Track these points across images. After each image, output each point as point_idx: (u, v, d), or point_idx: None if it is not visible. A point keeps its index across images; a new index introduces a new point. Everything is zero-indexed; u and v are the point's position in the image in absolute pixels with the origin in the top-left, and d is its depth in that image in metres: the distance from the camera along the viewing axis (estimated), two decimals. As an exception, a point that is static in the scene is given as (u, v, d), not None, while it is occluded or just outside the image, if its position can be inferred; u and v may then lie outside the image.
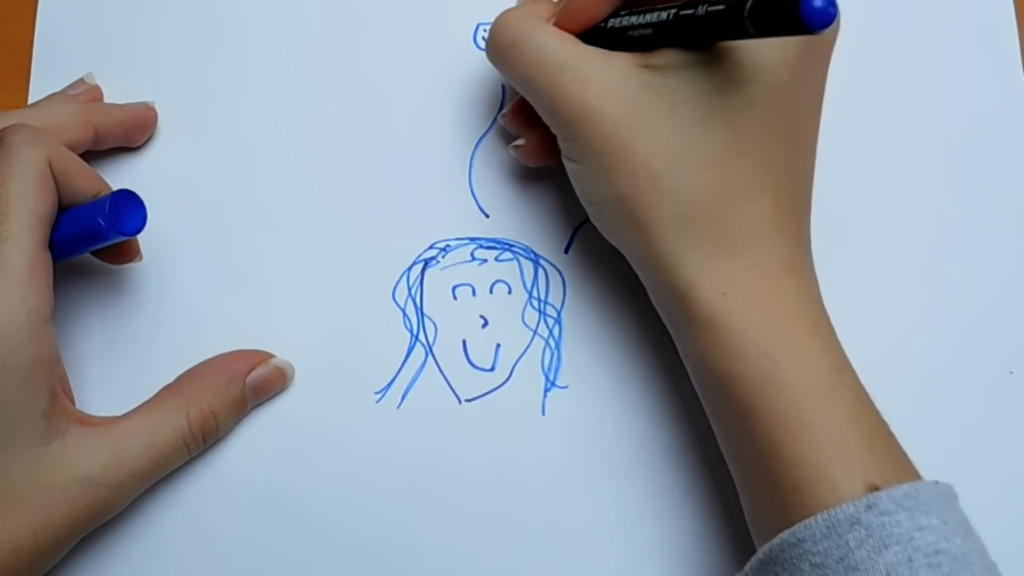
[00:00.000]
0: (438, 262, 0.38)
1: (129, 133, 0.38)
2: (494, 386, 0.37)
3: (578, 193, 0.34)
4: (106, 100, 0.39)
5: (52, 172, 0.32)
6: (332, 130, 0.39)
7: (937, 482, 0.28)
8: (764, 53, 0.30)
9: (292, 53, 0.40)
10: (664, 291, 0.32)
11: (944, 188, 0.39)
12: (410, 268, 0.38)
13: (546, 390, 0.37)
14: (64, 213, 0.33)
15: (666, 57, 0.31)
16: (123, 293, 0.38)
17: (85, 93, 0.38)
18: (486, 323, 0.37)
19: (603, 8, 0.33)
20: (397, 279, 0.38)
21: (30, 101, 0.39)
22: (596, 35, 0.33)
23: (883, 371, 0.37)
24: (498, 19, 0.34)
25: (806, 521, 0.27)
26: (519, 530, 0.35)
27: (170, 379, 0.35)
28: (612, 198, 0.32)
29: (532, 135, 0.36)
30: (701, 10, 0.29)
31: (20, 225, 0.31)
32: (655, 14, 0.31)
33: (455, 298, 0.37)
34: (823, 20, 0.25)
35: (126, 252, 0.36)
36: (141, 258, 0.36)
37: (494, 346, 0.37)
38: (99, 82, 0.39)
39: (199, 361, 0.36)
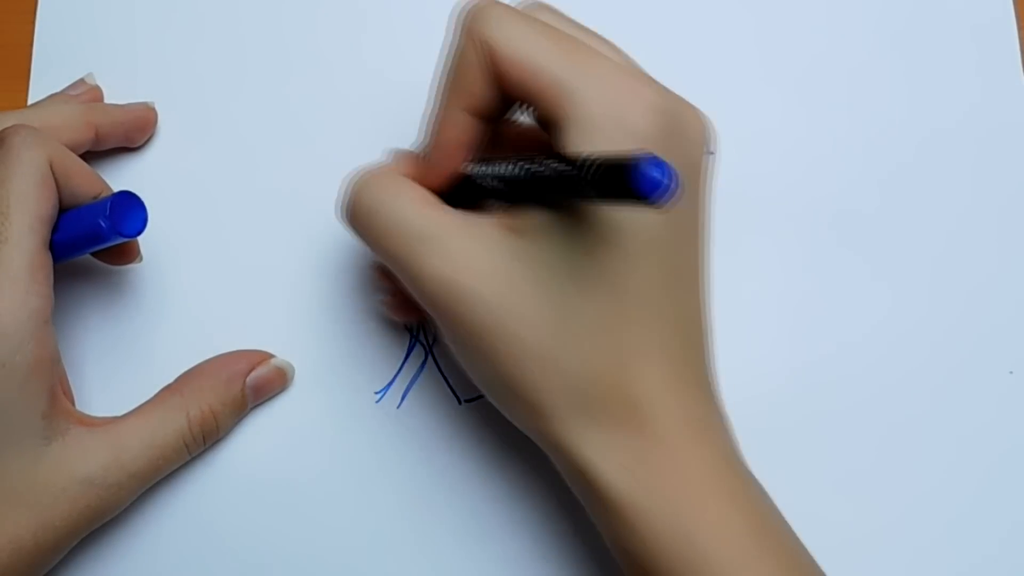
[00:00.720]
0: (438, 262, 0.38)
1: (129, 133, 0.38)
2: (494, 386, 0.37)
3: (467, 373, 0.32)
4: (106, 100, 0.39)
5: (53, 173, 0.32)
6: (333, 130, 0.39)
7: None
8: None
9: (292, 53, 0.40)
10: (569, 472, 0.30)
11: (944, 188, 0.39)
12: (410, 268, 0.38)
13: (546, 390, 0.37)
14: (65, 214, 0.33)
15: (531, 219, 0.28)
16: (123, 294, 0.38)
17: (85, 93, 0.38)
18: (486, 323, 0.37)
19: (460, 157, 0.31)
20: (397, 279, 0.38)
21: (30, 101, 0.39)
22: (464, 190, 0.31)
23: (883, 370, 0.37)
24: (355, 182, 0.31)
25: None
26: (519, 530, 0.35)
27: (170, 379, 0.35)
28: (498, 382, 0.30)
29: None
30: (548, 170, 0.27)
31: (21, 226, 0.31)
32: (505, 166, 0.29)
33: (455, 298, 0.37)
34: (656, 193, 0.22)
35: (126, 253, 0.36)
36: (141, 259, 0.36)
37: (494, 346, 0.37)
38: (99, 82, 0.39)
39: (199, 361, 0.36)
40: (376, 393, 0.37)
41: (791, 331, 0.37)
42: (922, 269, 0.38)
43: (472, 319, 0.29)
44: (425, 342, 0.37)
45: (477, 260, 0.29)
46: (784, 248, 0.38)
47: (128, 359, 0.37)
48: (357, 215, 0.31)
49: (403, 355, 0.37)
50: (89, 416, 0.34)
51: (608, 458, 0.29)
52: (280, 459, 0.36)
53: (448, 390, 0.37)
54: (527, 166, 0.28)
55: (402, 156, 0.33)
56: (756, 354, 0.37)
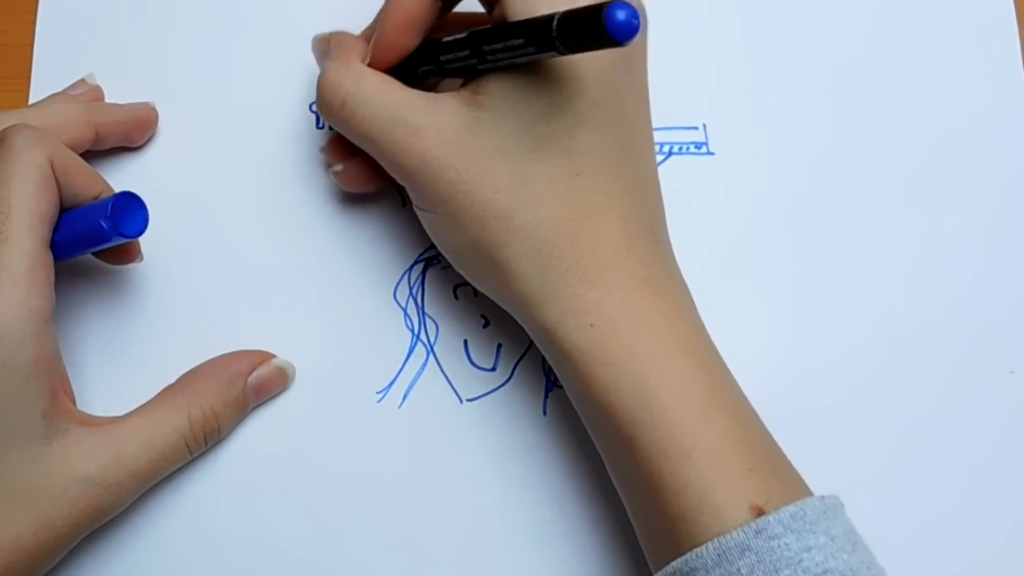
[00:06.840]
0: (439, 261, 0.38)
1: (130, 133, 0.38)
2: (495, 386, 0.37)
3: (436, 244, 0.34)
4: (107, 100, 0.39)
5: (53, 172, 0.32)
6: (333, 129, 0.39)
7: (823, 497, 0.28)
8: (581, 70, 0.30)
9: (292, 52, 0.40)
10: (535, 330, 0.32)
11: (944, 188, 0.39)
12: (411, 267, 0.38)
13: (547, 390, 0.37)
14: (66, 214, 0.33)
15: (488, 90, 0.30)
16: (124, 293, 0.37)
17: (86, 93, 0.38)
18: (487, 323, 0.37)
19: (410, 39, 0.33)
20: (398, 278, 0.38)
21: (31, 101, 0.39)
22: (408, 68, 0.33)
23: (883, 370, 0.37)
24: (321, 79, 0.33)
25: (697, 550, 0.27)
26: (520, 530, 0.35)
27: (171, 379, 0.35)
28: (466, 244, 0.32)
29: (351, 162, 0.36)
30: (511, 30, 0.29)
31: (22, 225, 0.31)
32: (464, 36, 0.31)
33: (456, 298, 0.37)
34: (628, 33, 0.25)
35: (127, 253, 0.36)
36: (142, 259, 0.36)
37: (495, 346, 0.37)
38: (100, 82, 0.39)
39: (200, 361, 0.36)
40: (377, 393, 0.37)
41: (790, 330, 0.37)
42: (922, 268, 0.38)
43: (441, 184, 0.31)
44: (427, 342, 0.37)
45: (443, 132, 0.31)
46: (784, 247, 0.38)
47: (129, 359, 0.37)
48: (330, 110, 0.33)
49: (404, 355, 0.37)
50: (90, 416, 0.33)
51: (571, 315, 0.30)
52: (281, 459, 0.36)
53: (450, 389, 0.37)
54: (488, 38, 0.29)
55: (348, 42, 0.34)
56: (755, 353, 0.37)
